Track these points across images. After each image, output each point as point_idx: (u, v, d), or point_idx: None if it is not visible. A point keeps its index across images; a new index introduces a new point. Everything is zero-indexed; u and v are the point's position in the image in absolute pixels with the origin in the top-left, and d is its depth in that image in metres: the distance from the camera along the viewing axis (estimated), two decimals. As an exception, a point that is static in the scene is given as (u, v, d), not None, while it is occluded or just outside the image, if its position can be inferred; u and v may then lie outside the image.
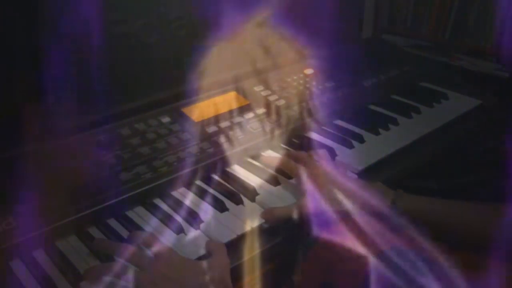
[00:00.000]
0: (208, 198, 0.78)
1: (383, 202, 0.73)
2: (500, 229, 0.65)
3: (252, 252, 0.70)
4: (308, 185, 0.76)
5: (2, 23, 0.76)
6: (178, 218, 0.74)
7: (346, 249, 0.73)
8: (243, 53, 1.05)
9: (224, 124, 0.91)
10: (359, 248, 0.72)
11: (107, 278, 0.60)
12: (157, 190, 0.78)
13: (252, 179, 0.84)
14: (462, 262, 0.66)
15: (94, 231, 0.72)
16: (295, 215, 0.73)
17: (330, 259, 0.80)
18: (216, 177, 0.84)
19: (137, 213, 0.76)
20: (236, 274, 0.66)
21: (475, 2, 1.32)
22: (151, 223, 0.73)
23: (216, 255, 0.66)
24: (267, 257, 0.71)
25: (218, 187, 0.81)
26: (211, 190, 0.80)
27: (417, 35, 1.41)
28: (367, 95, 1.10)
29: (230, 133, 0.89)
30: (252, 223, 0.73)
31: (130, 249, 0.64)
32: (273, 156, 0.89)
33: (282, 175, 0.84)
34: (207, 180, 0.83)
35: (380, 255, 0.74)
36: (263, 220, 0.74)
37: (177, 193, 0.80)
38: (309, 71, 1.11)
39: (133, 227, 0.72)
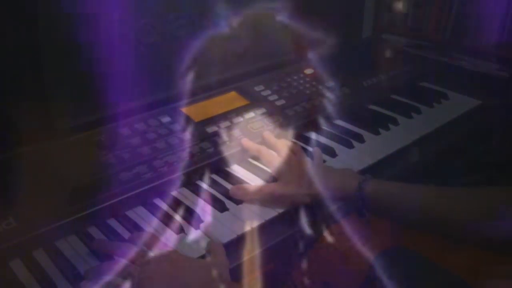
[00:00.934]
0: (208, 198, 0.78)
1: (350, 186, 0.75)
2: (471, 215, 0.66)
3: (252, 252, 0.70)
4: (278, 169, 0.80)
5: (3, 23, 0.76)
6: (178, 218, 0.74)
7: (346, 249, 0.73)
8: (243, 53, 1.05)
9: (224, 124, 0.91)
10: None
11: (107, 278, 0.60)
12: (157, 190, 0.78)
13: (252, 179, 0.84)
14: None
15: (94, 231, 0.72)
16: (264, 195, 0.77)
17: (330, 259, 0.80)
18: (216, 177, 0.84)
19: (137, 213, 0.76)
20: (236, 274, 0.66)
21: (475, 2, 1.32)
22: (151, 223, 0.73)
23: (215, 254, 0.66)
24: (267, 257, 0.71)
25: (218, 187, 0.81)
26: (211, 190, 0.80)
27: (417, 35, 1.41)
28: (367, 95, 1.10)
29: (230, 133, 0.89)
30: (252, 223, 0.73)
31: (130, 248, 0.64)
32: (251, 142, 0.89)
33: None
34: (207, 180, 0.83)
35: (380, 255, 0.75)
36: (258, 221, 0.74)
37: (177, 193, 0.80)
38: (309, 71, 1.11)
39: (133, 227, 0.72)
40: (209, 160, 0.84)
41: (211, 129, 0.89)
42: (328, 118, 1.01)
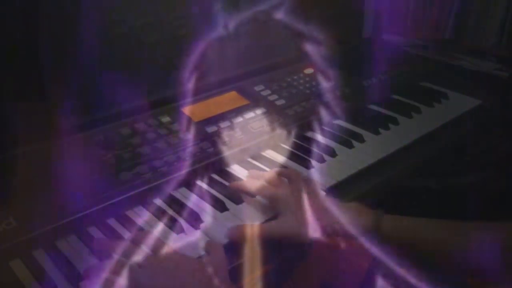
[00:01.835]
0: (208, 198, 0.78)
1: (363, 226, 0.68)
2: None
3: (252, 252, 0.70)
4: (282, 207, 0.72)
5: (3, 23, 0.76)
6: (178, 218, 0.74)
7: (346, 249, 0.73)
8: (243, 52, 1.05)
9: (224, 124, 0.91)
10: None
11: (106, 276, 0.60)
12: (157, 190, 0.78)
13: (252, 179, 0.84)
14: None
15: (94, 231, 0.72)
16: (266, 235, 0.69)
17: (330, 259, 0.80)
18: (216, 177, 0.84)
19: (137, 213, 0.76)
20: (236, 274, 0.66)
21: (475, 2, 1.32)
22: (151, 223, 0.73)
23: (213, 254, 0.66)
24: (267, 257, 0.71)
25: (218, 187, 0.81)
26: (211, 190, 0.80)
27: (417, 35, 1.41)
28: (367, 95, 1.10)
29: (230, 133, 0.89)
30: (252, 223, 0.73)
31: (129, 247, 0.64)
32: (252, 179, 0.81)
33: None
34: (207, 180, 0.83)
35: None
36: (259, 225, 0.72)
37: (177, 193, 0.80)
38: (309, 71, 1.11)
39: (133, 227, 0.72)
40: (209, 160, 0.84)
41: (211, 129, 0.89)
42: (328, 118, 1.01)
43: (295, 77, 1.08)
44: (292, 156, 0.89)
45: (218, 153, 0.85)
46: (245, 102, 0.97)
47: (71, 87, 0.83)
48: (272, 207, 0.74)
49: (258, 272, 0.67)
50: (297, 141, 0.94)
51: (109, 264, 0.62)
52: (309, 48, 1.10)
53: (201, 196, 0.79)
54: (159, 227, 0.72)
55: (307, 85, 1.06)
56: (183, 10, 0.96)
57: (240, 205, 0.77)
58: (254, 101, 0.98)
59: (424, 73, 1.24)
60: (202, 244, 0.69)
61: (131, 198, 0.75)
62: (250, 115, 0.94)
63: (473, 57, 1.31)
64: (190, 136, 0.86)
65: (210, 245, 0.68)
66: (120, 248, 0.64)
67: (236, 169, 0.87)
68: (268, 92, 1.02)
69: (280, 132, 0.93)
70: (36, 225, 0.67)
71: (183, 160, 0.82)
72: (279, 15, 1.09)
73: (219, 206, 0.76)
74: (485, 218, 0.66)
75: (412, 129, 1.00)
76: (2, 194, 0.68)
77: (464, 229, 0.68)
